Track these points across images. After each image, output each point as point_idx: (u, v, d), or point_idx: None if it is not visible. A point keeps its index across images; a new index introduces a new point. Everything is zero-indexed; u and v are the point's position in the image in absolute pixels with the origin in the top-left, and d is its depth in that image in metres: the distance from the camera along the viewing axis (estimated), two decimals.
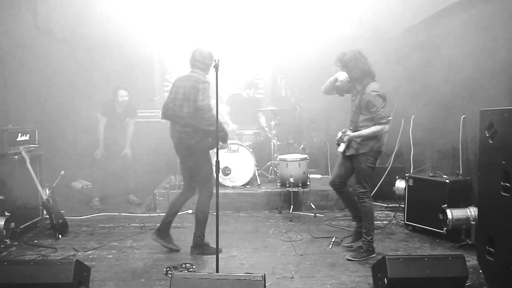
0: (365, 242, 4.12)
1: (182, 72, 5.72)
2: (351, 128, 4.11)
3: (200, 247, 4.18)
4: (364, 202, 4.10)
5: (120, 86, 6.15)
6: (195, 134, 4.05)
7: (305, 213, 5.70)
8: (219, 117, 3.59)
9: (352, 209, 4.44)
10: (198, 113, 3.98)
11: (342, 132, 4.16)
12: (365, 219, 4.13)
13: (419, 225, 4.82)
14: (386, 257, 3.17)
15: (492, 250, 3.29)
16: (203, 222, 4.21)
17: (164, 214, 5.61)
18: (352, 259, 4.06)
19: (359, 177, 4.11)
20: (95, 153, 6.11)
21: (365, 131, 3.99)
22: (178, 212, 4.43)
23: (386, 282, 3.10)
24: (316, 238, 4.68)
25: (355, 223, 4.53)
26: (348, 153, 4.14)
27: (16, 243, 4.45)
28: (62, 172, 5.08)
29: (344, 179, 4.33)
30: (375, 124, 3.96)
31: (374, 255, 4.08)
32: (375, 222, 5.20)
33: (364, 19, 6.84)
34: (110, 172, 6.12)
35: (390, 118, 4.06)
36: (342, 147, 4.16)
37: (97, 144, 6.14)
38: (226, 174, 6.09)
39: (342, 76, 4.05)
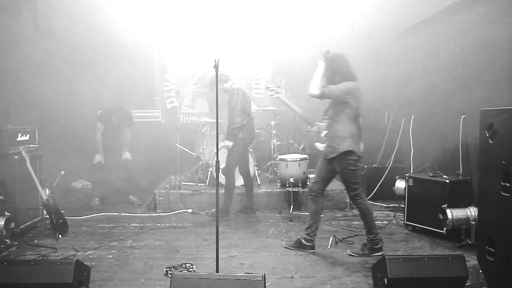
0: (369, 240, 4.12)
1: (184, 73, 6.03)
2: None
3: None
4: (359, 204, 4.09)
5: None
6: None
7: (305, 213, 5.67)
8: None
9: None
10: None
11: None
12: (363, 219, 4.13)
13: (419, 225, 4.82)
14: (386, 257, 3.17)
15: (492, 250, 3.29)
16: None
17: (164, 214, 5.68)
18: (352, 254, 4.11)
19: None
20: (94, 158, 6.14)
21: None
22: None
23: (386, 282, 3.09)
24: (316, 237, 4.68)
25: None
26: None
27: (16, 243, 4.45)
28: (62, 172, 5.08)
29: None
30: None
31: (379, 253, 4.03)
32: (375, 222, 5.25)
33: (365, 19, 6.84)
34: (110, 173, 6.12)
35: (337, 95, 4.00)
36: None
37: (96, 149, 6.17)
38: None
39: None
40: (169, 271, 3.65)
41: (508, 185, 3.07)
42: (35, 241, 4.60)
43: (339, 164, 4.00)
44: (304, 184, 5.67)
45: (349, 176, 4.02)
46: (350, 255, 4.12)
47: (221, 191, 5.64)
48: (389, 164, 6.41)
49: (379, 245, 4.12)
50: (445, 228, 4.46)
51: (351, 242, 4.50)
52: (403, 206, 5.07)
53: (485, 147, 3.40)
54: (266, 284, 3.09)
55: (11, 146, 4.67)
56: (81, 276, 3.20)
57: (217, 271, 3.28)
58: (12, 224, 4.38)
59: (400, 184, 5.55)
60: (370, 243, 4.11)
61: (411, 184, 4.92)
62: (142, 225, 5.21)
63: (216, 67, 3.36)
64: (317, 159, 7.42)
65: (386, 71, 6.71)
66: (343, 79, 3.96)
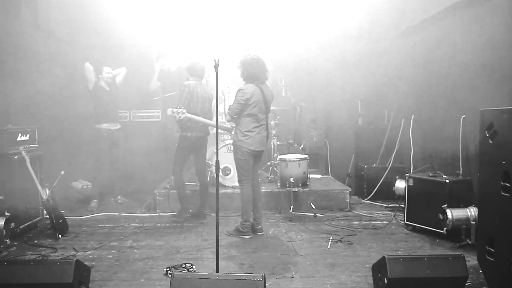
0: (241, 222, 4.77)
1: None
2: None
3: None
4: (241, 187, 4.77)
5: (102, 64, 6.12)
6: None
7: (305, 213, 5.70)
8: None
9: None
10: None
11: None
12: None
13: (419, 225, 4.82)
14: (386, 257, 3.17)
15: (492, 250, 3.29)
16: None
17: (164, 214, 5.68)
18: (225, 232, 4.80)
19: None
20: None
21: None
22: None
23: (386, 282, 3.10)
24: (316, 237, 4.69)
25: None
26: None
27: (16, 243, 4.45)
28: (62, 172, 5.07)
29: None
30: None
31: (246, 236, 4.68)
32: (374, 222, 5.29)
33: (365, 19, 6.85)
34: (111, 171, 6.13)
35: (235, 116, 4.61)
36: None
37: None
38: (226, 174, 6.10)
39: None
40: (169, 271, 3.65)
41: (508, 185, 3.07)
42: (35, 241, 4.59)
43: (234, 153, 4.75)
44: (304, 184, 5.66)
45: (237, 163, 4.74)
46: (225, 234, 4.74)
47: (222, 191, 5.65)
48: (389, 164, 6.41)
49: (246, 230, 4.71)
50: (445, 228, 4.47)
51: (350, 242, 4.50)
52: (403, 206, 5.07)
53: (485, 147, 3.40)
54: (266, 284, 3.09)
55: (11, 146, 4.66)
56: (81, 276, 3.20)
57: (217, 271, 3.28)
58: (12, 224, 4.38)
59: (400, 184, 5.55)
60: (239, 225, 4.75)
61: (411, 184, 4.92)
62: (142, 225, 5.21)
63: (216, 67, 3.37)
64: (316, 159, 7.49)
65: (386, 71, 6.72)
66: (246, 78, 4.67)
